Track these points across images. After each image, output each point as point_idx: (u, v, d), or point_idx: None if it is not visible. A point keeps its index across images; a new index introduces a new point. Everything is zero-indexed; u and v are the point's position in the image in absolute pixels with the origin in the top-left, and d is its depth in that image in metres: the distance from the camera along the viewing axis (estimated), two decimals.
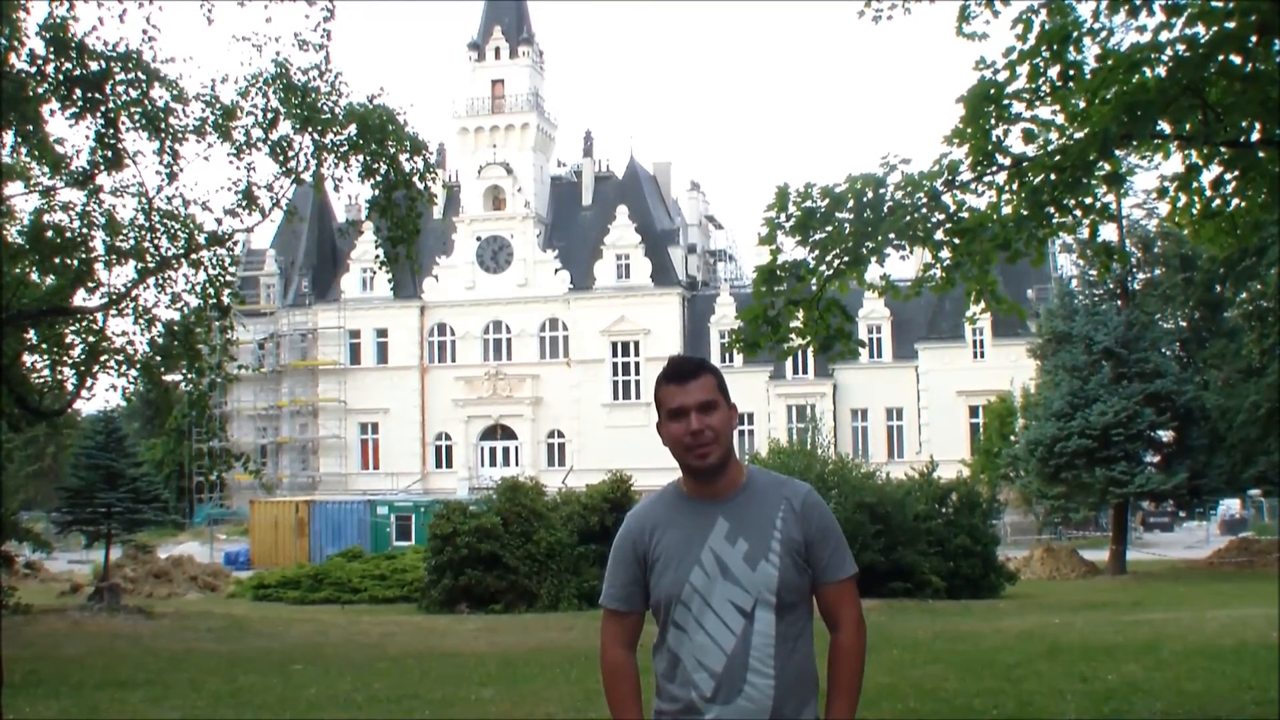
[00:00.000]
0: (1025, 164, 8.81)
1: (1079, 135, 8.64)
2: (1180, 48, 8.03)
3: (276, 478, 69.46)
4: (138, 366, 15.40)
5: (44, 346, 16.15)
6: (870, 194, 8.89)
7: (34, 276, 15.91)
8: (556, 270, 72.90)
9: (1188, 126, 8.58)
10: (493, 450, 72.94)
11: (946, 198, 9.06)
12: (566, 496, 30.36)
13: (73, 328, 15.46)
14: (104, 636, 20.95)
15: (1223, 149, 8.72)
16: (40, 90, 13.06)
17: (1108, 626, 19.24)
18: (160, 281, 14.62)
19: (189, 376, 16.16)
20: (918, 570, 28.09)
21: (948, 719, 11.10)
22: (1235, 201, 9.43)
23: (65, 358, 15.97)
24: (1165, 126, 8.53)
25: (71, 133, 13.95)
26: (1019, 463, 41.68)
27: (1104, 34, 8.96)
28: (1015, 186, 8.94)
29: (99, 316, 14.95)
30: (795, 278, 9.26)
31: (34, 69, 12.84)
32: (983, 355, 64.23)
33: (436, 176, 15.56)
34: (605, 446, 64.04)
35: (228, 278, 15.29)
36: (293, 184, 15.00)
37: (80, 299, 15.25)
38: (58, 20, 12.54)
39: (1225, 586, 30.65)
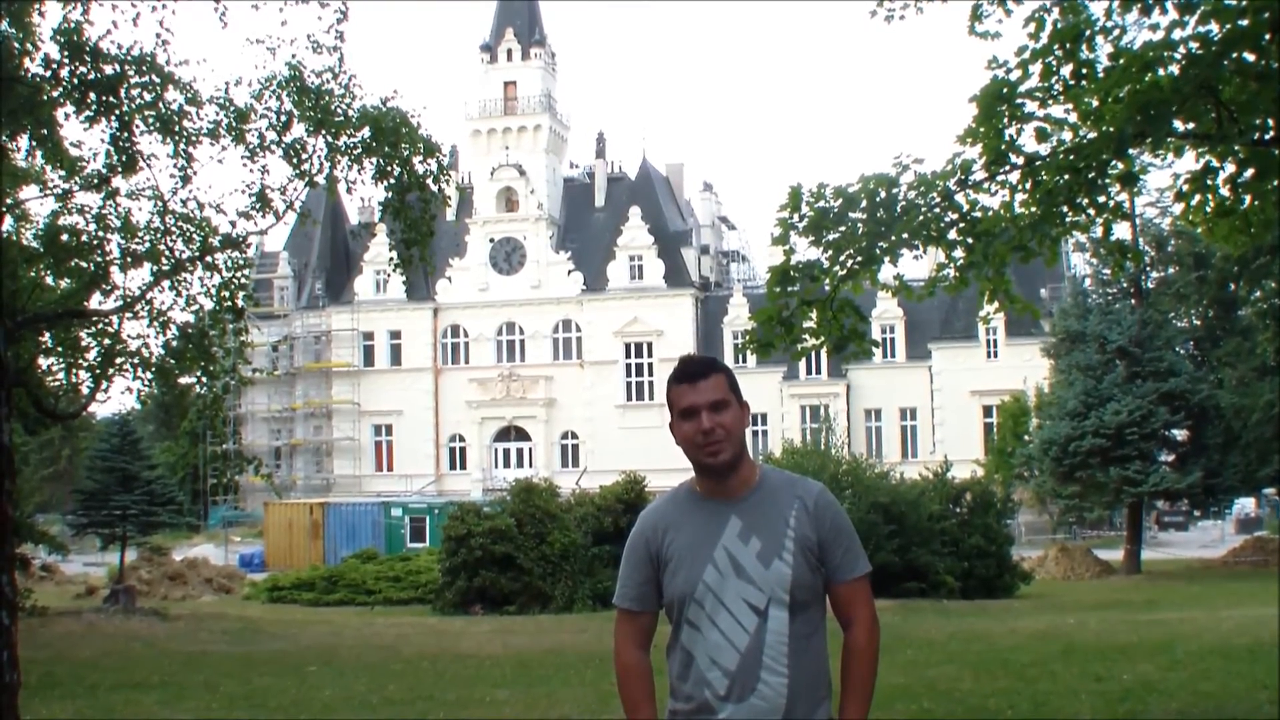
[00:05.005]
0: (1038, 163, 8.79)
1: (1092, 134, 8.62)
2: (1193, 46, 8.00)
3: (290, 480, 69.66)
4: (153, 369, 15.41)
5: (59, 349, 16.20)
6: (883, 194, 8.89)
7: (49, 280, 15.95)
8: (569, 272, 72.94)
9: (1199, 125, 8.56)
10: (506, 452, 72.99)
11: (960, 197, 9.06)
12: (580, 498, 30.40)
13: (88, 331, 15.46)
14: (119, 638, 21.05)
15: (1237, 147, 8.69)
16: (55, 94, 13.07)
17: (1122, 626, 19.20)
18: (175, 284, 14.61)
19: (203, 380, 16.17)
20: (932, 570, 28.08)
21: (962, 719, 11.09)
22: (1249, 199, 9.39)
23: (80, 361, 15.99)
24: (1179, 125, 8.50)
25: (86, 136, 13.88)
26: (1033, 462, 41.58)
27: (1117, 32, 8.95)
28: (1028, 186, 8.93)
29: (114, 319, 14.96)
30: (809, 278, 9.25)
31: (49, 73, 12.85)
32: (996, 355, 64.09)
33: (450, 179, 15.53)
34: (619, 448, 64.03)
35: (242, 280, 15.28)
36: (306, 186, 14.97)
37: (95, 302, 15.29)
38: (72, 24, 12.55)
39: (1240, 586, 30.54)
